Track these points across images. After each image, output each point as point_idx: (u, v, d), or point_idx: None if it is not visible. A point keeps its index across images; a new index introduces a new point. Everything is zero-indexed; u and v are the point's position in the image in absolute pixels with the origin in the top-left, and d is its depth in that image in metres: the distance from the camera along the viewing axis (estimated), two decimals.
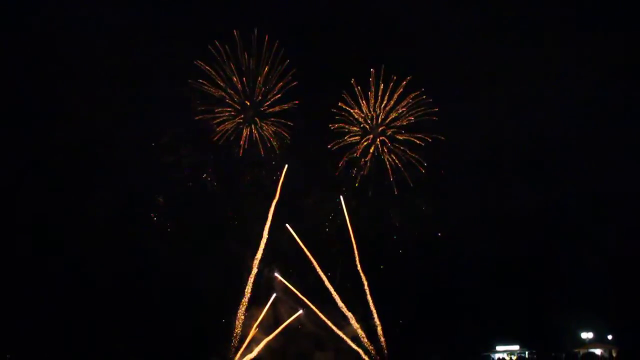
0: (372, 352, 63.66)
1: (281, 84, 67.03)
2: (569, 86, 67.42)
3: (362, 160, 68.23)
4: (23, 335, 58.84)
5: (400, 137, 67.75)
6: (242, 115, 67.68)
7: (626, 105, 68.13)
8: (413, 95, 66.47)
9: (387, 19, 70.46)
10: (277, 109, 67.31)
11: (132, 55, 64.48)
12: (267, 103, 67.84)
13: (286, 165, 67.10)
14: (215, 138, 67.12)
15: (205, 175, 68.56)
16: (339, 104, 67.20)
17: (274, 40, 65.46)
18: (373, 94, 67.19)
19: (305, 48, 68.60)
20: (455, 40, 70.83)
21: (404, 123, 67.38)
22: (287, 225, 64.34)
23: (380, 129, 67.88)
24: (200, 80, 66.19)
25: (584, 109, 67.60)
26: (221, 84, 66.92)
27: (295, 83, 66.72)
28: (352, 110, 67.56)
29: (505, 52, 68.92)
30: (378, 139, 68.00)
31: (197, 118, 66.48)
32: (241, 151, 67.61)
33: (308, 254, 64.05)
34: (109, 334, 59.76)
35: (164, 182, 66.33)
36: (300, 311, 63.77)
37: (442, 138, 66.24)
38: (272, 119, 67.65)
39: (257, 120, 67.44)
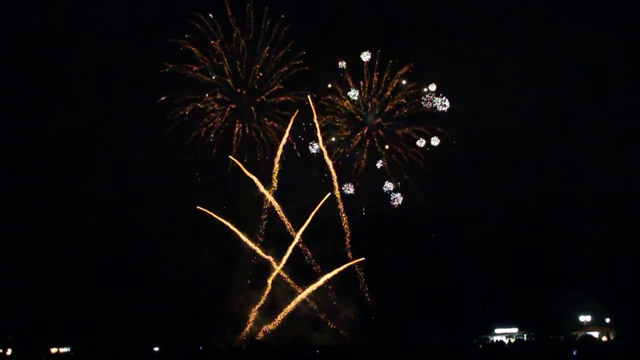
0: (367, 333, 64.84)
1: (285, 67, 59.40)
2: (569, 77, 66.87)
3: (357, 152, 65.40)
4: (24, 319, 61.28)
5: (399, 132, 64.18)
6: (234, 105, 59.43)
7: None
8: (414, 84, 63.11)
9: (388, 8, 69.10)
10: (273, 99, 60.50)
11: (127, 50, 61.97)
12: (272, 89, 59.10)
13: (297, 111, 59.93)
14: (197, 140, 59.46)
15: (197, 174, 63.62)
16: (329, 96, 63.06)
17: (276, 13, 57.10)
18: (367, 81, 63.04)
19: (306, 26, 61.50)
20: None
21: (400, 114, 64.36)
22: (283, 212, 65.38)
23: (377, 121, 64.75)
24: (171, 65, 57.28)
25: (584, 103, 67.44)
26: (206, 65, 58.50)
27: (307, 68, 58.90)
28: (343, 102, 63.38)
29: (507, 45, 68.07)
30: (373, 132, 64.85)
31: (178, 114, 58.71)
32: (231, 163, 59.98)
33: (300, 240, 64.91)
34: (109, 318, 61.20)
35: (159, 173, 64.61)
36: None
37: (454, 142, 63.69)
38: (275, 110, 60.41)
39: (253, 111, 60.28)
